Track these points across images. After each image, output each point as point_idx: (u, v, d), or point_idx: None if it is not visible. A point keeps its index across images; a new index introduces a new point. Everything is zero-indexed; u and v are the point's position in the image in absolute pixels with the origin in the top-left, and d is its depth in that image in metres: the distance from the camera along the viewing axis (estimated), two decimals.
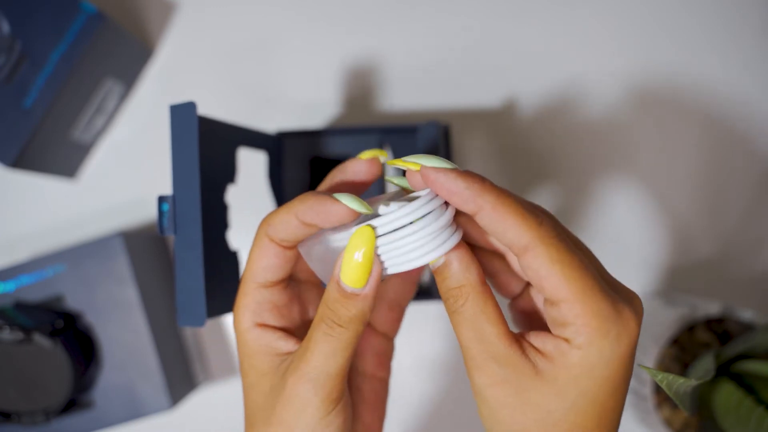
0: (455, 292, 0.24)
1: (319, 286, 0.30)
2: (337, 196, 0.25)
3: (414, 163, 0.24)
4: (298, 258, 0.28)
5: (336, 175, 0.28)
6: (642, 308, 0.24)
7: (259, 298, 0.27)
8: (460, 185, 0.23)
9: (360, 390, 0.30)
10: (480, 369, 0.24)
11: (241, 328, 0.28)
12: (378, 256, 0.25)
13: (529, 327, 0.28)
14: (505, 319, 0.25)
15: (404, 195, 0.26)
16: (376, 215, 0.25)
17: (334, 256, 0.26)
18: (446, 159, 0.25)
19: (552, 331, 0.24)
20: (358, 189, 0.28)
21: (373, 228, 0.24)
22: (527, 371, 0.24)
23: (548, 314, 0.24)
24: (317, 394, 0.26)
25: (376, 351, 0.30)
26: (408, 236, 0.24)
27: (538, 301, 0.28)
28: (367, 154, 0.28)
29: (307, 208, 0.26)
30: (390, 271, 0.25)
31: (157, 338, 0.43)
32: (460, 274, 0.24)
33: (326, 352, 0.25)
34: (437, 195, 0.24)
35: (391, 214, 0.24)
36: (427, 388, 0.47)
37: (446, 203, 0.25)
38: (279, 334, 0.27)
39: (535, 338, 0.24)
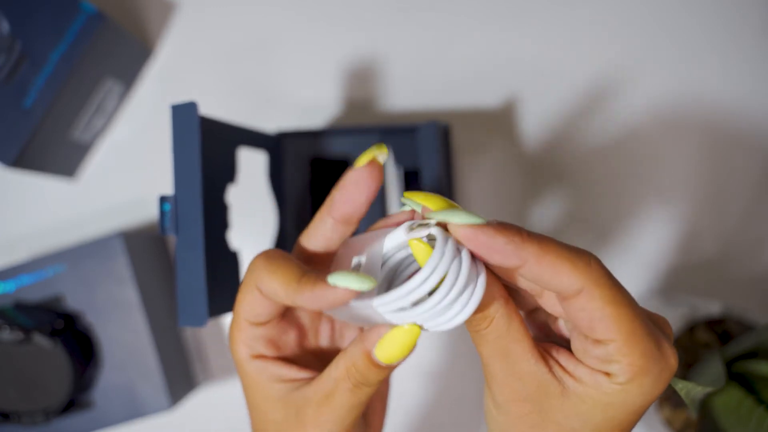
0: (478, 316, 0.23)
1: (315, 311, 0.29)
2: (333, 277, 0.22)
3: (443, 212, 0.22)
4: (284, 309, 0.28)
5: (336, 201, 0.25)
6: (672, 334, 0.24)
7: (251, 334, 0.27)
8: (500, 242, 0.21)
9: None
10: (502, 385, 0.24)
11: (240, 359, 0.27)
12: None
13: (540, 333, 0.28)
14: (530, 334, 0.24)
15: (416, 222, 0.24)
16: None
17: (358, 313, 0.24)
18: (473, 213, 0.22)
19: (584, 360, 0.23)
20: (364, 205, 0.26)
21: (388, 308, 0.22)
22: (553, 390, 0.23)
23: (589, 351, 0.23)
24: None
25: None
26: (440, 303, 0.21)
27: (553, 320, 0.27)
28: (364, 158, 0.25)
29: (301, 296, 0.23)
30: (433, 330, 0.23)
31: (157, 338, 0.43)
32: (483, 299, 0.23)
33: (349, 406, 0.25)
34: (449, 241, 0.22)
35: (414, 281, 0.21)
36: (423, 395, 0.47)
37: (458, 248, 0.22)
38: (279, 363, 0.27)
39: (566, 361, 0.24)
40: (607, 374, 0.23)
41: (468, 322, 0.23)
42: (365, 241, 0.26)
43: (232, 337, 0.27)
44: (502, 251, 0.21)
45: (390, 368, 0.24)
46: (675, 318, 0.39)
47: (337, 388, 0.25)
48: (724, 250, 0.46)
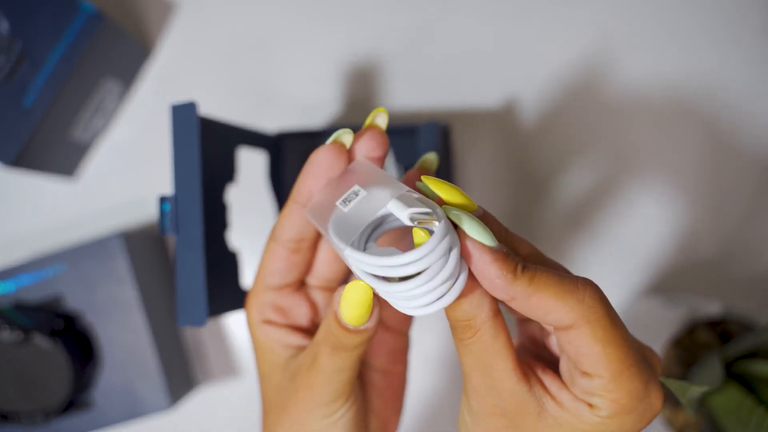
0: (463, 325, 0.23)
1: (331, 291, 0.30)
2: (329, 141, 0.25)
3: (461, 214, 0.22)
4: (309, 263, 0.28)
5: (299, 185, 0.26)
6: (660, 368, 0.24)
7: (266, 299, 0.28)
8: (492, 272, 0.21)
9: (375, 385, 0.30)
10: (481, 397, 0.24)
11: (252, 323, 0.28)
12: (377, 294, 0.23)
13: (530, 344, 0.28)
14: (515, 350, 0.23)
15: (420, 198, 0.23)
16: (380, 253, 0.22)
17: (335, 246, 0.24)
18: (490, 232, 0.22)
19: (571, 387, 0.23)
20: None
21: (365, 268, 0.22)
22: (531, 409, 0.23)
23: (575, 380, 0.23)
24: (324, 400, 0.26)
25: (390, 348, 0.30)
26: (413, 289, 0.21)
27: (546, 336, 0.27)
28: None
29: (299, 186, 0.26)
30: (398, 309, 0.22)
31: (157, 338, 0.43)
32: (470, 308, 0.22)
33: (331, 370, 0.26)
34: (446, 239, 0.21)
35: (386, 260, 0.21)
36: (433, 381, 0.47)
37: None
38: (285, 329, 0.28)
39: (550, 383, 0.24)
40: (590, 405, 0.23)
41: (453, 329, 0.23)
42: (374, 175, 0.25)
43: (247, 302, 0.28)
44: (491, 282, 0.21)
45: (359, 332, 0.24)
46: (675, 318, 0.39)
47: (319, 352, 0.26)
48: (724, 250, 0.46)
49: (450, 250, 0.21)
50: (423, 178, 0.23)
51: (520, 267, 0.21)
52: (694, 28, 0.46)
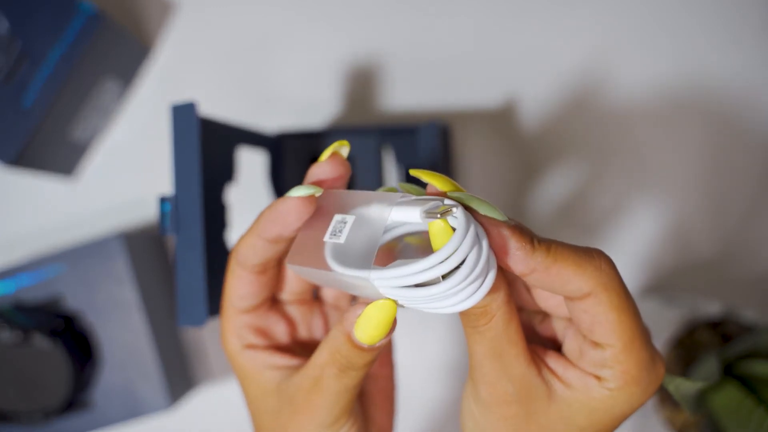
0: (479, 312, 0.22)
1: (305, 304, 0.29)
2: (289, 193, 0.24)
3: (468, 195, 0.22)
4: (278, 279, 0.28)
5: (264, 221, 0.26)
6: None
7: (240, 323, 0.27)
8: (512, 245, 0.21)
9: (368, 393, 0.29)
10: (491, 385, 0.24)
11: (232, 352, 0.27)
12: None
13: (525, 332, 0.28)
14: (524, 335, 0.23)
15: (418, 198, 0.22)
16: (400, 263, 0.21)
17: (349, 282, 0.23)
18: (497, 208, 0.21)
19: (577, 362, 0.23)
20: (294, 230, 0.26)
21: (393, 283, 0.20)
22: (541, 393, 0.23)
23: (585, 353, 0.23)
24: (328, 421, 0.26)
25: None
26: (459, 283, 0.20)
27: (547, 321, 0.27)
28: (327, 152, 0.26)
29: (265, 222, 0.25)
30: (431, 312, 0.21)
31: (157, 338, 0.43)
32: (487, 296, 0.22)
33: (337, 390, 0.25)
34: (472, 226, 0.20)
35: (429, 261, 0.20)
36: (437, 390, 0.47)
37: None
38: (270, 351, 0.27)
39: (555, 363, 0.24)
40: (598, 378, 0.23)
41: (466, 317, 0.23)
42: (350, 199, 0.24)
43: (222, 330, 0.27)
44: (512, 256, 0.21)
45: (373, 350, 0.24)
46: (675, 318, 0.39)
47: (324, 374, 0.25)
48: (724, 250, 0.46)
49: (480, 239, 0.20)
50: (412, 171, 0.23)
51: (536, 239, 0.21)
52: (694, 28, 0.46)
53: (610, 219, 0.46)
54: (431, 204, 0.21)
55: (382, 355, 0.30)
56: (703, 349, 0.39)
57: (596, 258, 0.22)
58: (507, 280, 0.23)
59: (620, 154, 0.46)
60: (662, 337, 0.38)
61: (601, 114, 0.46)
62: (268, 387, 0.27)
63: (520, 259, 0.21)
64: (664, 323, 0.39)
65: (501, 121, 0.46)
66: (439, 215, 0.20)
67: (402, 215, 0.21)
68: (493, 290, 0.21)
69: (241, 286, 0.26)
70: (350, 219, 0.23)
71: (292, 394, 0.26)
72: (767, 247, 0.46)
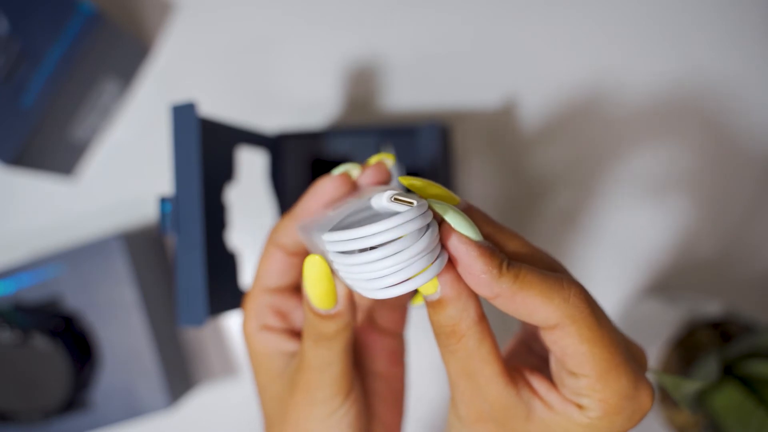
0: (448, 331, 0.22)
1: None
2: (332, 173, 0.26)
3: (444, 205, 0.21)
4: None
5: (301, 209, 0.27)
6: (647, 366, 0.24)
7: (263, 301, 0.28)
8: (478, 267, 0.21)
9: (375, 390, 0.29)
10: (468, 404, 0.24)
11: (249, 332, 0.28)
12: (338, 274, 0.22)
13: (531, 338, 0.28)
14: (500, 355, 0.23)
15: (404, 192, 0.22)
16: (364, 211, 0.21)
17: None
18: (474, 225, 0.21)
19: (560, 388, 0.23)
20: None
21: (333, 247, 0.20)
22: (519, 413, 0.23)
23: (564, 380, 0.23)
24: (323, 397, 0.26)
25: (387, 350, 0.30)
26: (373, 262, 0.19)
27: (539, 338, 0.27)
28: (338, 169, 0.27)
29: (302, 202, 0.26)
30: (365, 294, 0.21)
31: (157, 338, 0.43)
32: (455, 312, 0.22)
33: (320, 365, 0.25)
34: (423, 214, 0.20)
35: (353, 233, 0.19)
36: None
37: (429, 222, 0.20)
38: (284, 335, 0.28)
39: (539, 385, 0.23)
40: (580, 406, 0.22)
41: (437, 336, 0.23)
42: (367, 191, 0.25)
43: (246, 308, 0.28)
44: (477, 278, 0.21)
45: (330, 317, 0.24)
46: (675, 318, 0.39)
47: (304, 348, 0.26)
48: (724, 250, 0.46)
49: (428, 228, 0.20)
50: (400, 179, 0.22)
51: (505, 263, 0.21)
52: (693, 29, 0.46)
53: (610, 218, 0.46)
54: (401, 193, 0.20)
55: (393, 356, 0.30)
56: (703, 349, 0.39)
57: (565, 288, 0.21)
58: (477, 301, 0.22)
59: (620, 153, 0.46)
60: (662, 337, 0.38)
61: (602, 114, 0.46)
62: (275, 372, 0.28)
63: (485, 282, 0.21)
64: (664, 323, 0.39)
65: (501, 121, 0.46)
66: (395, 200, 0.20)
67: (377, 199, 0.21)
68: (461, 308, 0.21)
69: (272, 263, 0.27)
70: (351, 200, 0.24)
71: (291, 376, 0.27)
72: (767, 247, 0.46)
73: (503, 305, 0.21)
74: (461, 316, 0.22)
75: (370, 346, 0.30)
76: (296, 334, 0.28)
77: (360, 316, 0.29)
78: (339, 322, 0.25)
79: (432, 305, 0.22)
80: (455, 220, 0.21)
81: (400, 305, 0.30)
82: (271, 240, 0.28)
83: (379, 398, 0.29)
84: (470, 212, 0.23)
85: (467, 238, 0.21)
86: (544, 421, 0.23)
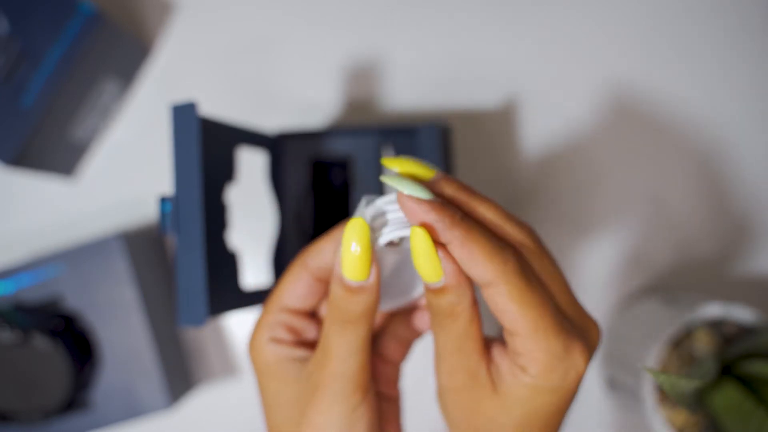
0: (447, 311, 0.25)
1: None
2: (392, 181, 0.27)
3: (398, 178, 0.25)
4: (325, 296, 0.29)
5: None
6: (597, 339, 0.26)
7: (279, 318, 0.29)
8: (431, 218, 0.24)
9: (381, 410, 0.31)
10: (450, 374, 0.26)
11: (258, 343, 0.29)
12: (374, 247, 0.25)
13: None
14: (482, 334, 0.26)
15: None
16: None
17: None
18: (424, 187, 0.25)
19: (509, 354, 0.26)
20: None
21: (365, 218, 0.25)
22: (486, 385, 0.26)
23: (509, 343, 0.25)
24: (344, 392, 0.27)
25: (387, 376, 0.31)
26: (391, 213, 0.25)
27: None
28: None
29: (342, 230, 0.27)
30: (381, 241, 0.26)
31: (157, 338, 0.43)
32: (456, 298, 0.25)
33: (344, 353, 0.26)
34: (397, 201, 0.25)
35: (375, 205, 0.26)
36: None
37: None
38: (294, 345, 0.29)
39: (500, 356, 0.26)
40: (521, 367, 0.25)
41: (435, 316, 0.26)
42: None
43: (257, 324, 0.29)
44: (435, 225, 0.24)
45: (363, 290, 0.26)
46: (675, 318, 0.39)
47: (328, 334, 0.27)
48: (724, 250, 0.46)
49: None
50: (382, 160, 0.27)
51: (458, 217, 0.24)
52: (693, 31, 0.46)
53: (609, 218, 0.46)
54: (390, 198, 0.26)
55: (391, 382, 0.31)
56: (702, 348, 0.39)
57: (506, 253, 0.24)
58: (473, 289, 0.25)
59: (620, 153, 0.46)
60: (662, 337, 0.39)
61: (601, 114, 0.46)
62: (290, 377, 0.28)
63: (440, 229, 0.24)
64: (664, 323, 0.39)
65: (501, 121, 0.46)
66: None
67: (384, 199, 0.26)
68: (461, 294, 0.25)
69: (297, 284, 0.29)
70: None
71: (310, 373, 0.28)
72: (767, 247, 0.46)
73: (454, 252, 0.24)
74: (459, 300, 0.25)
75: (372, 369, 0.30)
76: (307, 344, 0.29)
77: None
78: (366, 299, 0.26)
79: (434, 291, 0.25)
80: (407, 188, 0.24)
81: (407, 340, 0.32)
82: (302, 261, 0.28)
83: (383, 416, 0.31)
84: (446, 180, 0.26)
85: (417, 198, 0.24)
86: (502, 390, 0.25)
